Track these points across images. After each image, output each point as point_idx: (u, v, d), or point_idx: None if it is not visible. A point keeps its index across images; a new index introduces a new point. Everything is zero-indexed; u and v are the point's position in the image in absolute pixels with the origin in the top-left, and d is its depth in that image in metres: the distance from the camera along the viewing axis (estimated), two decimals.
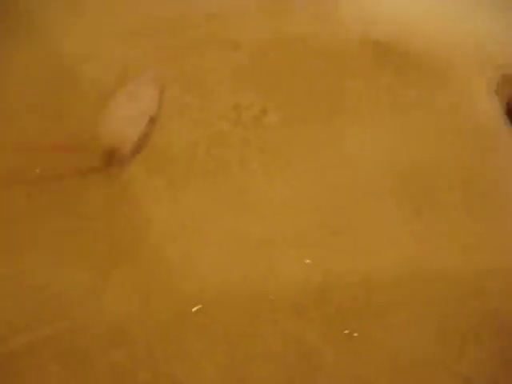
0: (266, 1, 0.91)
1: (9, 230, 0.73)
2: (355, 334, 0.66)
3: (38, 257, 0.71)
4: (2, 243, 0.71)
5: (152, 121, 0.82)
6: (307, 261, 0.72)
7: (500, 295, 0.68)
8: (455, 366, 0.63)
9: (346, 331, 0.66)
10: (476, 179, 0.77)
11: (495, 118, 0.82)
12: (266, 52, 0.86)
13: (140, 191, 0.75)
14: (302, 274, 0.72)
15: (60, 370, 0.64)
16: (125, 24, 0.86)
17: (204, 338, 0.65)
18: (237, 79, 0.83)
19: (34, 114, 0.79)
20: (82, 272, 0.70)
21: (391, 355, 0.64)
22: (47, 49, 0.83)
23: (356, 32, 0.89)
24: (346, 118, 0.82)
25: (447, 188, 0.77)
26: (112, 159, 0.78)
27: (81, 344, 0.65)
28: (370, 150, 0.80)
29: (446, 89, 0.85)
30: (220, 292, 0.70)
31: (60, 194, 0.74)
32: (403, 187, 0.77)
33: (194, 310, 0.67)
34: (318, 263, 0.72)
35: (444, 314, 0.67)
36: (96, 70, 0.83)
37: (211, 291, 0.70)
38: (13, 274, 0.70)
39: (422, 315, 0.67)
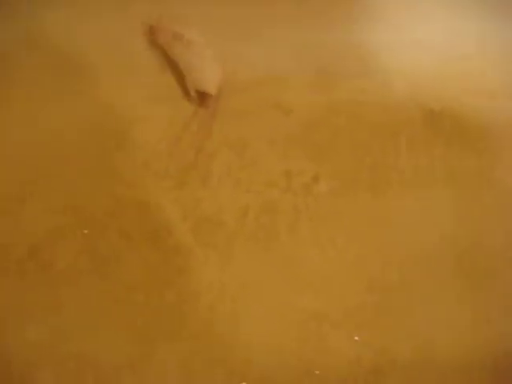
0: (313, 65, 0.91)
1: (48, 290, 0.71)
2: None
3: (75, 322, 0.69)
4: (40, 304, 0.70)
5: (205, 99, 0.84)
6: (356, 338, 0.69)
7: None
8: None
9: None
10: None
11: None
12: (317, 118, 0.85)
13: (187, 259, 0.73)
14: (351, 351, 0.69)
15: None
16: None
17: None
18: (288, 145, 0.82)
19: (84, 177, 0.79)
20: (122, 343, 0.68)
21: None
22: (100, 111, 0.83)
23: (408, 100, 0.88)
24: (399, 190, 0.80)
25: (504, 268, 0.73)
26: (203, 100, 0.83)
27: None
28: (424, 225, 0.77)
29: (506, 160, 0.82)
30: (266, 367, 0.68)
31: (102, 256, 0.73)
32: (460, 267, 0.74)
33: None
34: (368, 341, 0.69)
35: None
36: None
37: (257, 366, 0.68)
38: (50, 341, 0.68)
39: None
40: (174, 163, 0.80)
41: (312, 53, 0.89)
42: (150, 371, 0.67)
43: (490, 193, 0.80)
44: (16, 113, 0.83)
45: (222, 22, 0.89)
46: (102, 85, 0.85)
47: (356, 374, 0.68)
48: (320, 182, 0.79)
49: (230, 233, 0.75)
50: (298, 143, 0.82)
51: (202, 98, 0.84)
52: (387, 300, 0.71)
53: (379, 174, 0.81)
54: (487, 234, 0.77)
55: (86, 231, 0.75)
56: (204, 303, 0.70)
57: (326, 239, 0.75)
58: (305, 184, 0.79)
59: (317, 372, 0.68)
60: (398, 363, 0.68)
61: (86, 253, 0.73)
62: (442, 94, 0.88)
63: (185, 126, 0.81)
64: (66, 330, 0.68)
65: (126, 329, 0.69)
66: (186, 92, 0.85)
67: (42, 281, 0.71)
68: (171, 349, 0.68)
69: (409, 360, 0.68)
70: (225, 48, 0.85)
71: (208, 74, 0.85)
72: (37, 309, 0.69)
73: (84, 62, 0.88)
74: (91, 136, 0.82)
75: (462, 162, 0.83)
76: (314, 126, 0.84)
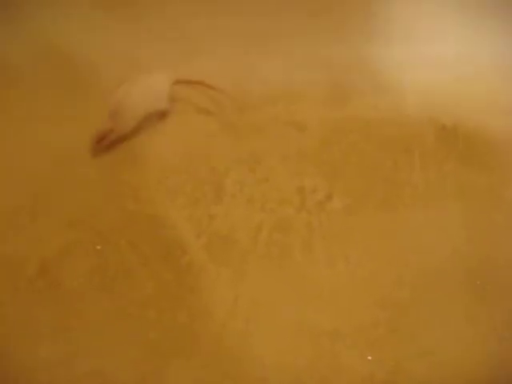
0: (327, 80, 0.90)
1: (60, 307, 0.71)
2: None
3: (87, 339, 0.69)
4: (52, 322, 0.69)
5: (162, 116, 0.85)
6: (369, 357, 0.68)
7: None
8: None
9: None
10: None
11: None
12: (331, 135, 0.84)
13: (199, 276, 0.72)
14: (364, 368, 0.68)
15: None
16: None
17: None
18: (301, 162, 0.82)
19: (97, 192, 0.79)
20: (135, 359, 0.67)
21: None
22: None
23: (421, 116, 0.87)
24: (411, 206, 0.79)
25: None
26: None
27: None
28: (436, 241, 0.77)
29: None
30: None
31: (114, 273, 0.73)
32: (470, 282, 0.73)
33: None
34: (381, 358, 0.68)
35: None
36: None
37: (270, 383, 0.67)
38: (64, 359, 0.67)
39: None
40: (187, 179, 0.80)
41: (326, 68, 0.89)
42: None
43: (500, 209, 0.79)
44: (30, 126, 0.84)
45: (235, 35, 0.89)
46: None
47: None
48: (333, 199, 0.79)
49: (243, 250, 0.74)
50: (311, 160, 0.82)
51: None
52: (399, 316, 0.71)
53: (392, 189, 0.81)
54: (497, 249, 0.76)
55: (98, 247, 0.74)
56: (216, 320, 0.70)
57: (339, 256, 0.75)
58: (318, 201, 0.79)
59: None
60: (410, 381, 0.67)
61: (97, 269, 0.73)
62: (454, 110, 0.88)
63: (198, 142, 0.81)
64: (79, 347, 0.68)
65: (139, 345, 0.68)
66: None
67: (54, 298, 0.71)
68: (183, 365, 0.67)
69: (421, 377, 0.67)
70: (238, 62, 0.85)
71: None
72: (49, 327, 0.69)
73: (93, 72, 0.88)
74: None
75: (473, 179, 0.82)
76: (327, 143, 0.84)
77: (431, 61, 0.91)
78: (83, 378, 0.66)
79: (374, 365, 0.68)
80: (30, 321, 0.69)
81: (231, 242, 0.75)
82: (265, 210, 0.78)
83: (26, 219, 0.76)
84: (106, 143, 0.82)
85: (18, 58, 0.90)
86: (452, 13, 0.95)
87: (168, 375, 0.67)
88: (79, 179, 0.80)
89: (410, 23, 0.95)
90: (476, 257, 0.75)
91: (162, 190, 0.79)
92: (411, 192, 0.80)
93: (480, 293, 0.72)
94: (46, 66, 0.90)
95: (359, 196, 0.80)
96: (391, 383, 0.67)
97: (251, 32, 0.91)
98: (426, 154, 0.84)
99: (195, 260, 0.74)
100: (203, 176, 0.80)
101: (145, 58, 0.91)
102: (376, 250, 0.76)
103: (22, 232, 0.75)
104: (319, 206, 0.78)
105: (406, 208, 0.79)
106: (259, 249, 0.75)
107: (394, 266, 0.74)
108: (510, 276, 0.74)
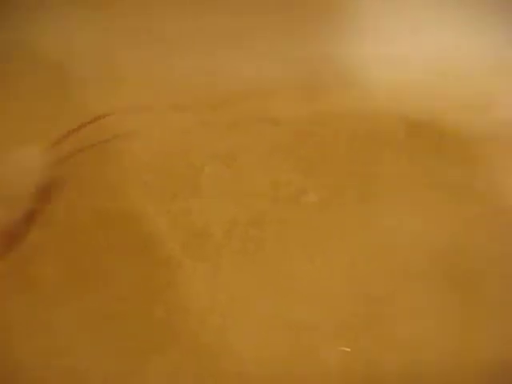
0: (301, 77, 0.91)
1: (34, 304, 0.70)
2: None
3: (64, 337, 0.68)
4: (26, 323, 0.69)
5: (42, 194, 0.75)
6: (347, 349, 0.69)
7: None
8: None
9: None
10: None
11: None
12: (304, 130, 0.85)
13: (175, 271, 0.73)
14: (342, 362, 0.69)
15: None
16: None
17: None
18: (276, 157, 0.83)
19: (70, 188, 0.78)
20: (112, 357, 0.67)
21: None
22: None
23: (392, 112, 0.89)
24: (384, 199, 0.80)
25: (489, 273, 0.74)
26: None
27: None
28: (411, 233, 0.78)
29: (487, 167, 0.84)
30: (257, 380, 0.68)
31: (88, 270, 0.73)
32: (446, 274, 0.74)
33: None
34: (359, 353, 0.69)
35: None
36: None
37: (247, 379, 0.68)
38: (39, 355, 0.67)
39: None
40: (163, 175, 0.80)
41: (300, 65, 0.90)
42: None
43: (471, 201, 0.81)
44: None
45: (209, 35, 0.89)
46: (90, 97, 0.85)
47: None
48: (308, 193, 0.80)
49: (219, 245, 0.75)
50: (285, 155, 0.83)
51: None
52: (377, 309, 0.72)
53: (365, 183, 0.81)
54: (470, 239, 0.77)
55: (70, 244, 0.74)
56: (194, 316, 0.70)
57: (316, 251, 0.76)
58: (293, 195, 0.79)
59: None
60: (388, 375, 0.68)
61: (70, 267, 0.72)
62: (425, 106, 0.90)
63: (173, 139, 0.82)
64: (55, 344, 0.67)
65: (115, 343, 0.68)
66: None
67: (27, 294, 0.70)
68: (161, 362, 0.67)
69: (400, 371, 0.68)
70: (212, 61, 0.86)
71: None
72: (24, 328, 0.68)
73: (75, 73, 0.87)
74: None
75: (445, 172, 0.84)
76: (301, 138, 0.84)
77: (405, 58, 0.93)
78: (58, 375, 0.65)
79: (352, 357, 0.69)
80: (3, 323, 0.69)
81: (206, 236, 0.75)
82: (240, 205, 0.78)
83: None
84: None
85: None
86: (424, 8, 0.97)
87: (147, 371, 0.66)
88: None
89: (387, 21, 0.96)
90: (451, 248, 0.76)
91: (139, 186, 0.79)
92: (384, 185, 0.81)
93: (456, 284, 0.73)
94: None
95: (334, 190, 0.80)
96: (369, 376, 0.68)
97: (224, 31, 0.91)
98: (398, 149, 0.85)
99: (171, 255, 0.74)
100: (179, 172, 0.80)
101: (119, 60, 0.91)
102: (352, 243, 0.76)
103: None
104: (294, 201, 0.79)
105: (379, 201, 0.80)
106: (235, 244, 0.75)
107: (371, 259, 0.75)
108: (483, 266, 0.75)
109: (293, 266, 0.74)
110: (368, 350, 0.69)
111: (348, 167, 0.83)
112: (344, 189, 0.81)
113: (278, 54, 0.91)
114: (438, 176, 0.83)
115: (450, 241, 0.77)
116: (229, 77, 0.87)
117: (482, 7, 0.96)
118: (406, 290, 0.73)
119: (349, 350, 0.69)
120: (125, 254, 0.73)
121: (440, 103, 0.90)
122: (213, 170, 0.81)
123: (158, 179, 0.79)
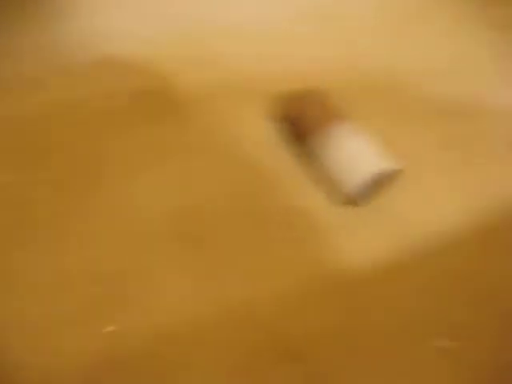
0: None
1: None
2: None
3: None
4: None
5: None
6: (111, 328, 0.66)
7: (274, 318, 0.68)
8: None
9: None
10: (257, 211, 0.77)
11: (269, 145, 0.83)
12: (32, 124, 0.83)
13: None
14: (102, 342, 0.64)
15: None
16: None
17: None
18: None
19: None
20: None
21: None
22: None
23: (117, 86, 0.87)
24: (116, 173, 0.80)
25: (227, 223, 0.76)
26: None
27: None
28: (143, 199, 0.78)
29: (193, 126, 0.86)
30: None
31: None
32: (182, 230, 0.75)
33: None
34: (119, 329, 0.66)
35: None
36: None
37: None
38: None
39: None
40: None
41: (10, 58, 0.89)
42: None
43: (206, 158, 0.82)
44: None
45: None
46: None
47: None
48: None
49: None
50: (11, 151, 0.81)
51: None
52: (129, 283, 0.70)
53: (94, 165, 0.81)
54: (208, 195, 0.79)
55: None
56: None
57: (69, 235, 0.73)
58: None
59: None
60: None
61: None
62: (151, 74, 0.91)
63: None
64: None
65: None
66: None
67: None
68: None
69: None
70: None
71: None
72: None
73: None
74: None
75: (167, 134, 0.84)
76: (27, 133, 0.83)
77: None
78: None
79: (112, 338, 0.64)
80: None
81: None
82: None
83: None
84: None
85: None
86: None
87: None
88: None
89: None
90: (185, 206, 0.76)
91: None
92: (116, 161, 0.81)
93: (193, 238, 0.74)
94: None
95: (65, 180, 0.79)
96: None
97: None
98: (123, 121, 0.86)
99: None
100: None
101: None
102: (91, 225, 0.74)
103: None
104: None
105: (111, 178, 0.80)
106: None
107: (102, 239, 0.73)
108: (220, 216, 0.76)
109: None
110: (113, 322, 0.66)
111: (79, 150, 0.82)
112: (76, 174, 0.79)
113: None
114: (164, 142, 0.83)
115: (187, 199, 0.77)
116: None
117: None
118: (146, 261, 0.72)
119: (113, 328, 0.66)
120: None
121: (169, 68, 0.89)
122: None
123: None
